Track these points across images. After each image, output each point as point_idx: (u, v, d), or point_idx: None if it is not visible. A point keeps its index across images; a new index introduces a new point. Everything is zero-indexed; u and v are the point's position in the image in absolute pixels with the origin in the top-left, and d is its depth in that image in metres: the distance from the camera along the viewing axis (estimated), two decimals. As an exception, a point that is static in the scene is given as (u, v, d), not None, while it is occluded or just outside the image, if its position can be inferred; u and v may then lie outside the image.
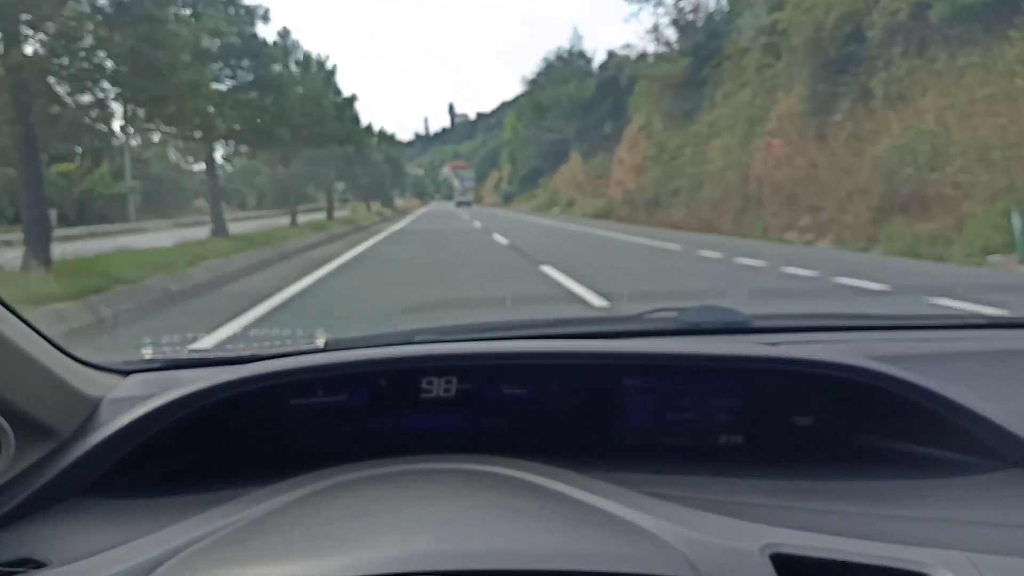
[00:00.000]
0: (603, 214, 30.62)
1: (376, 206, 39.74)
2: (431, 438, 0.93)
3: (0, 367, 0.76)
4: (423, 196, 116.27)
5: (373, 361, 0.93)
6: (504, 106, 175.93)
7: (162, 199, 40.61)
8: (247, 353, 1.07)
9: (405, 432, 0.97)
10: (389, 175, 35.77)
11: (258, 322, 5.20)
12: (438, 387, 0.96)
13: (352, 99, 20.52)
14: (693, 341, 1.20)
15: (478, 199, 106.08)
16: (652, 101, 28.87)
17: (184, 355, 1.09)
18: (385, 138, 38.54)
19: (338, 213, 27.85)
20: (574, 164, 44.02)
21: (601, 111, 41.65)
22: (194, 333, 1.15)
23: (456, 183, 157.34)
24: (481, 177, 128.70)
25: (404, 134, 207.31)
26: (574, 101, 41.84)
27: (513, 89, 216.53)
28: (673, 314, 1.27)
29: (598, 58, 50.83)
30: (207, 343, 1.15)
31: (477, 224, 25.03)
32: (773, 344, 1.13)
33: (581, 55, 52.00)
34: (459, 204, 78.29)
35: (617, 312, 2.01)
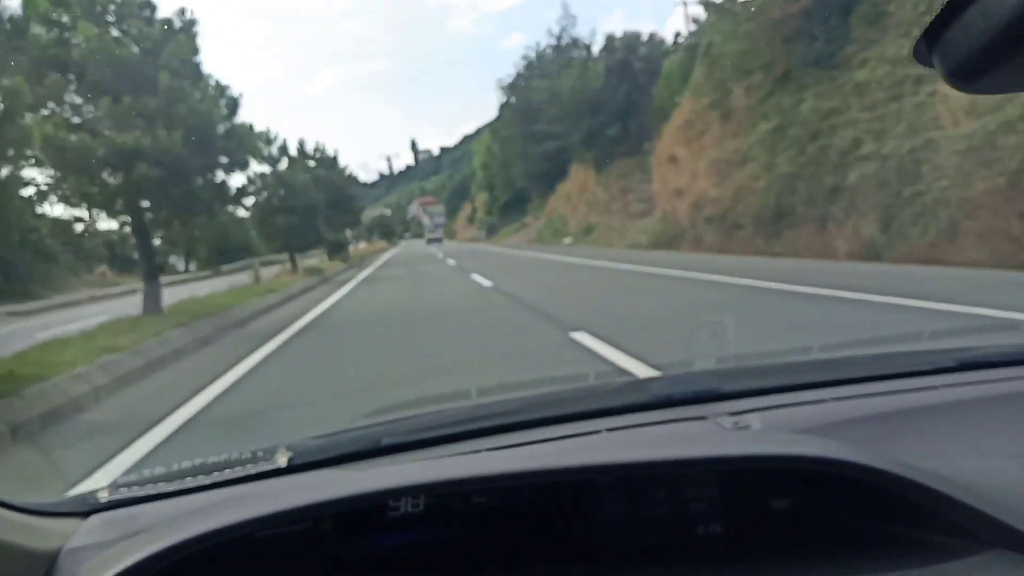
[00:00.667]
0: (665, 241, 19.50)
1: (313, 260, 27.06)
2: (402, 557, 0.92)
3: None
4: (391, 237, 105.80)
5: (341, 500, 0.86)
6: (467, 139, 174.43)
7: (26, 267, 28.38)
8: (208, 481, 1.02)
9: (374, 553, 0.94)
10: (323, 208, 23.11)
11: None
12: (406, 504, 0.93)
13: (190, 29, 8.18)
14: (661, 415, 1.17)
15: (450, 235, 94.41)
16: (732, 58, 17.95)
17: (143, 489, 1.02)
18: (325, 161, 26.48)
19: (208, 286, 15.90)
20: (580, 177, 33.11)
21: (614, 106, 30.86)
22: (150, 468, 1.08)
23: (426, 220, 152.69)
24: (452, 211, 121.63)
25: (368, 175, 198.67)
26: (578, 96, 30.99)
27: (475, 123, 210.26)
28: (641, 387, 1.29)
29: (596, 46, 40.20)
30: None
31: (484, 281, 13.59)
32: (741, 412, 1.12)
33: (575, 43, 41.28)
34: (430, 241, 73.10)
35: (587, 387, 1.63)
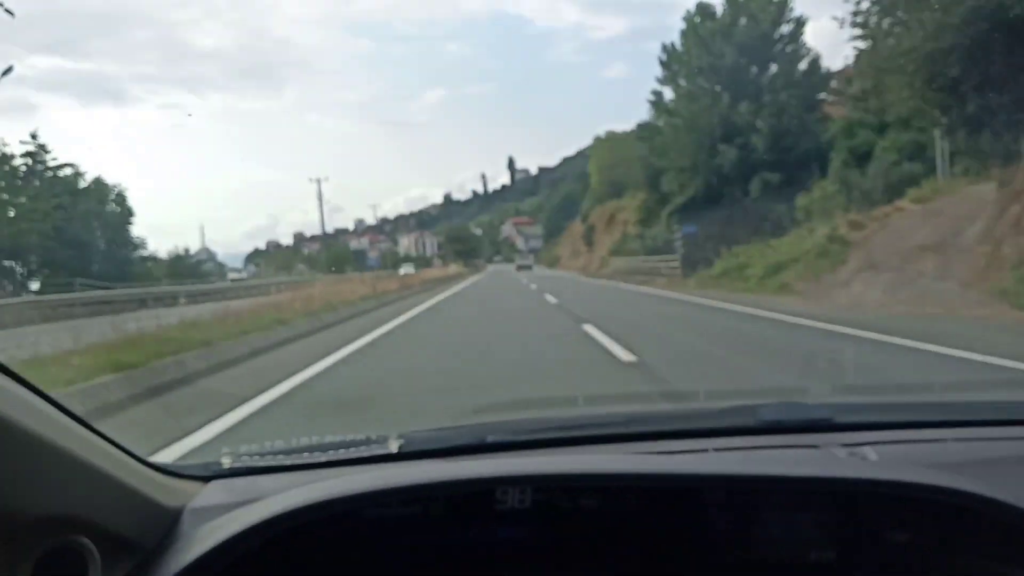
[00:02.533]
0: None
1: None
2: (506, 551, 0.91)
3: (79, 482, 0.71)
4: (472, 259, 75.35)
5: (450, 483, 0.88)
6: (567, 161, 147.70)
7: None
8: (323, 459, 1.05)
9: (480, 544, 0.92)
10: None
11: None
12: (513, 498, 0.90)
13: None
14: (771, 440, 1.09)
15: (552, 262, 70.80)
16: None
17: (262, 460, 1.06)
18: None
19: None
20: None
21: None
22: (271, 441, 1.12)
23: (519, 242, 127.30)
24: (552, 234, 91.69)
25: (461, 194, 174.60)
26: None
27: (576, 146, 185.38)
28: (751, 411, 1.19)
29: None
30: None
31: None
32: (856, 444, 1.04)
33: None
34: (519, 268, 61.10)
35: (696, 407, 1.53)
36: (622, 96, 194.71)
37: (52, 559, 0.68)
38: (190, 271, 36.77)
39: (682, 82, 30.25)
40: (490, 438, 1.09)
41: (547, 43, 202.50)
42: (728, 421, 1.19)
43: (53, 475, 0.67)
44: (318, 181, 51.56)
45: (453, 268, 47.03)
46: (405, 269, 39.35)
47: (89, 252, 28.66)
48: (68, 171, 29.84)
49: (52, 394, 0.71)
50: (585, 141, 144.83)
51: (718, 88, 27.86)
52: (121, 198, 32.25)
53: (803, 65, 27.77)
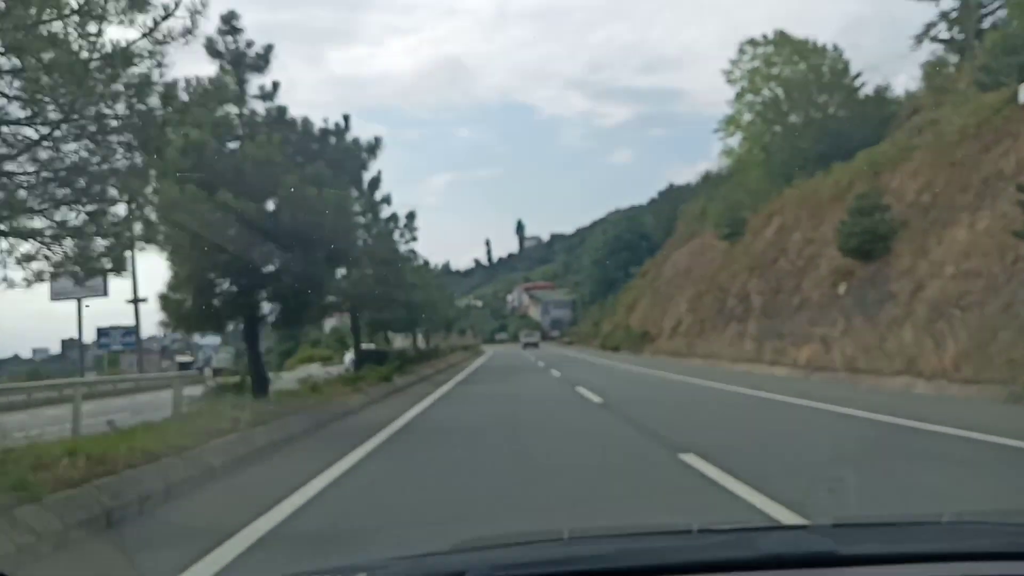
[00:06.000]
0: None
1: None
2: None
3: None
4: (445, 335, 34.66)
5: None
6: (582, 231, 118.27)
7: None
8: None
9: None
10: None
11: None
12: None
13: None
14: None
15: (622, 340, 39.93)
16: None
17: None
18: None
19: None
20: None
21: None
22: None
23: (535, 312, 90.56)
24: (597, 296, 60.37)
25: (461, 262, 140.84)
26: None
27: (590, 218, 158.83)
28: (752, 542, 1.10)
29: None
30: None
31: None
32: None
33: None
34: (525, 346, 48.39)
35: (688, 539, 1.27)
36: (629, 179, 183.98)
37: None
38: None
39: None
40: (469, 574, 1.02)
41: (556, 129, 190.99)
42: (723, 554, 1.10)
43: None
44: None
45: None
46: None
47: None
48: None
49: None
50: (597, 215, 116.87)
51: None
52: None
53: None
